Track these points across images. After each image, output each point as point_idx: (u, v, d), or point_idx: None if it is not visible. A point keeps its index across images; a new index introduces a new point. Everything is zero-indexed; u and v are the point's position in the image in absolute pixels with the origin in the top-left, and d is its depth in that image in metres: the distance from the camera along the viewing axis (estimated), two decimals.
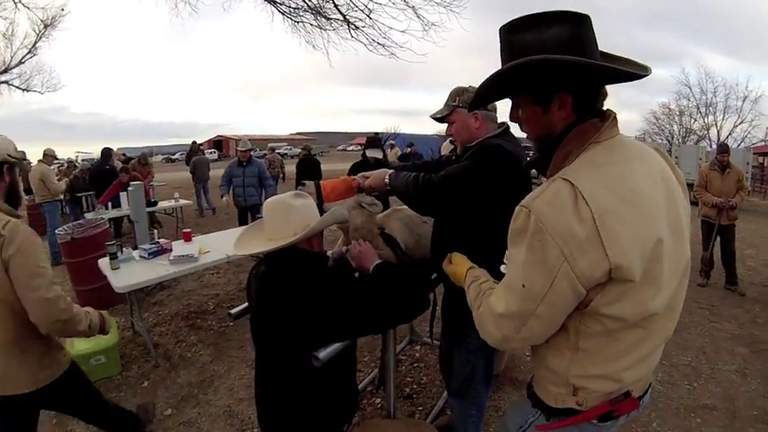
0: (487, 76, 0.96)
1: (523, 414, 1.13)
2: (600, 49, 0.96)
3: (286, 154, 48.25)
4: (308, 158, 8.57)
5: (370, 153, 4.56)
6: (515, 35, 0.94)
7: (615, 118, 0.96)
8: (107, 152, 7.80)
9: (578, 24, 0.89)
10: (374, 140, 4.76)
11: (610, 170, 0.89)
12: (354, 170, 4.65)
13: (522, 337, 0.96)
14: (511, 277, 0.95)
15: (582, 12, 0.90)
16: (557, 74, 0.89)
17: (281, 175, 11.68)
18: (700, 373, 3.15)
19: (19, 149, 1.83)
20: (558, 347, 1.00)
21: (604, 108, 0.99)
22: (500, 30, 0.97)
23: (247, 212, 6.30)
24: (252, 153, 6.25)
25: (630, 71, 0.90)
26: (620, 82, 0.95)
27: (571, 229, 0.83)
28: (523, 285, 0.91)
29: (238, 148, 6.11)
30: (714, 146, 23.14)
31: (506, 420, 1.24)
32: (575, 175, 0.87)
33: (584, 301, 0.89)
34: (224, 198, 6.20)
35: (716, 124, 26.25)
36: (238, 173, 6.04)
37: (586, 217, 0.82)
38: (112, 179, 6.89)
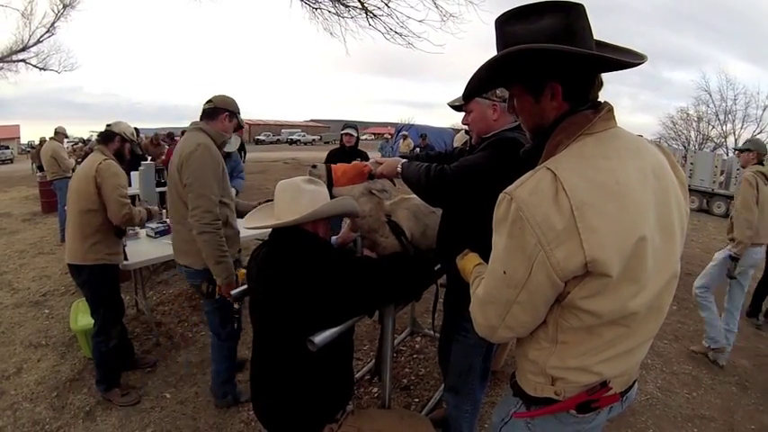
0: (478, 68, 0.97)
1: (507, 405, 1.15)
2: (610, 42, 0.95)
3: (299, 140, 48.60)
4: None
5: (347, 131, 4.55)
6: (508, 26, 0.94)
7: (610, 110, 0.95)
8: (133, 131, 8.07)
9: (570, 14, 0.89)
10: (352, 127, 4.73)
11: (597, 163, 0.88)
12: (330, 158, 4.56)
13: (507, 326, 0.97)
14: (493, 264, 0.96)
15: (576, 1, 0.89)
16: (544, 63, 0.89)
17: None
18: (700, 383, 3.12)
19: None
20: (537, 340, 1.01)
21: (601, 100, 0.98)
22: (495, 21, 0.97)
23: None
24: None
25: (622, 59, 0.89)
26: (611, 70, 0.94)
27: (549, 219, 0.83)
28: (504, 272, 0.92)
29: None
30: (731, 154, 22.80)
31: (493, 414, 1.25)
32: (559, 165, 0.87)
33: (563, 293, 0.90)
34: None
35: (734, 132, 25.88)
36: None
37: (565, 208, 0.82)
38: (139, 157, 7.20)
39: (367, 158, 2.41)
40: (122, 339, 2.85)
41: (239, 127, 2.63)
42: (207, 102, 2.40)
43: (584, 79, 0.95)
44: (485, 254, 1.34)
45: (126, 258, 2.98)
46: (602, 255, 0.82)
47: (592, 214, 0.82)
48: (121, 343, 2.81)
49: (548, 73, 0.93)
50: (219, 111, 2.36)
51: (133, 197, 7.84)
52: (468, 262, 1.32)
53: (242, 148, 12.01)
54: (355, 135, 4.59)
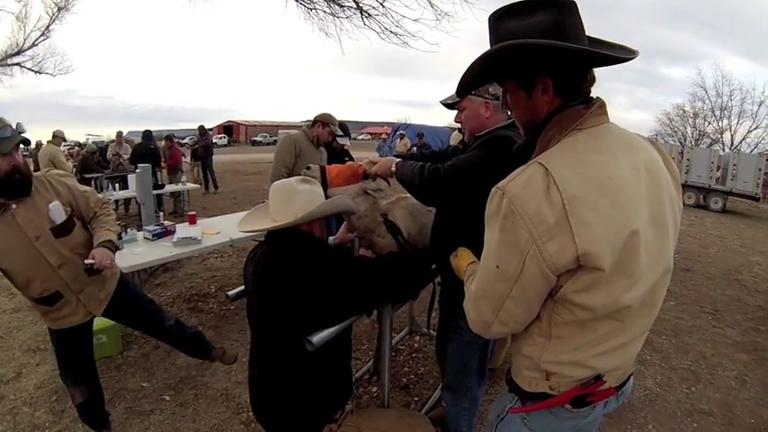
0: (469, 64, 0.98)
1: (503, 401, 1.15)
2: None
3: None
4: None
5: (340, 141, 4.43)
6: (501, 23, 0.95)
7: (602, 105, 0.96)
8: (148, 134, 8.49)
9: (562, 11, 0.90)
10: (342, 127, 4.51)
11: (589, 157, 0.88)
12: None
13: (500, 321, 0.97)
14: (486, 259, 0.96)
15: None
16: (535, 58, 0.90)
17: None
18: (699, 378, 3.13)
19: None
20: (531, 335, 1.01)
21: (593, 95, 0.99)
22: (489, 17, 0.98)
23: None
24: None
25: (611, 54, 0.90)
26: (601, 65, 0.95)
27: (541, 213, 0.83)
28: (497, 267, 0.92)
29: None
30: (727, 150, 22.88)
31: (490, 411, 1.25)
32: (551, 159, 0.88)
33: (555, 287, 0.90)
34: None
35: (730, 128, 25.97)
36: None
37: (556, 202, 0.83)
38: (155, 158, 7.57)
39: (352, 159, 2.41)
40: (93, 396, 2.29)
41: (331, 132, 3.94)
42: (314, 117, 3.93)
43: (576, 74, 0.95)
44: (479, 252, 1.35)
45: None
46: (593, 248, 0.82)
47: (584, 208, 0.83)
48: (92, 399, 2.27)
49: (539, 68, 0.94)
50: (316, 122, 3.87)
51: (130, 200, 7.94)
52: (461, 260, 1.32)
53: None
54: (348, 143, 4.48)
